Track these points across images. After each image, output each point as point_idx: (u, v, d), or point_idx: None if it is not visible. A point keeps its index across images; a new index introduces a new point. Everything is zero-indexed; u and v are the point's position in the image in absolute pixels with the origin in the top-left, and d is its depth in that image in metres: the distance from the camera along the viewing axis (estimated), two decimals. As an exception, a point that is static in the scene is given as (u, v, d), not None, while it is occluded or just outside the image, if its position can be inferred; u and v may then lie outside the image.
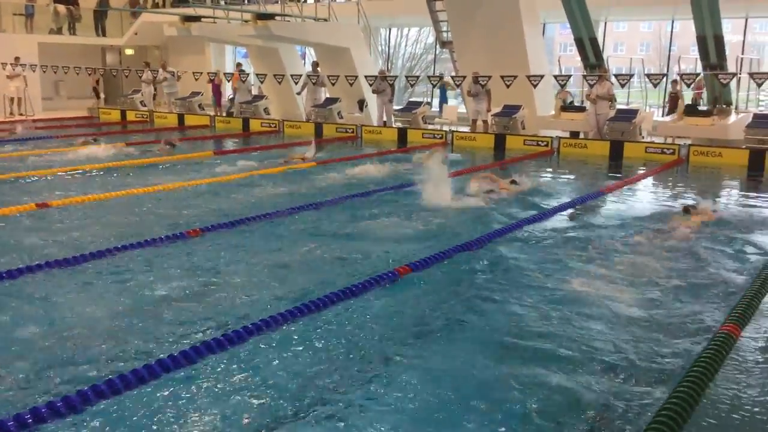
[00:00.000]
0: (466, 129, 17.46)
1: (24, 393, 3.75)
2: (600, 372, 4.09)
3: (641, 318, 4.99)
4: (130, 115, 21.51)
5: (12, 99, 21.44)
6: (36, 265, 5.81)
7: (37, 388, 3.80)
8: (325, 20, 20.19)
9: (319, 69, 19.54)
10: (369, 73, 18.78)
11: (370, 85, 18.07)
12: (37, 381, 3.90)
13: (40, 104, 22.80)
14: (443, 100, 18.97)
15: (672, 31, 23.20)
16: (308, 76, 19.28)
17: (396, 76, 20.21)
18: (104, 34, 25.97)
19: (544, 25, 21.15)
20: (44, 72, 22.46)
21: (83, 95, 24.65)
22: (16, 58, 21.16)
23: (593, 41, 16.57)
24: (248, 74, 21.15)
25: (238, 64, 22.56)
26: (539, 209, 8.65)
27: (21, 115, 21.28)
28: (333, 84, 18.88)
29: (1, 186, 9.79)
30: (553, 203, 9.08)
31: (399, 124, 17.84)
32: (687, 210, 8.09)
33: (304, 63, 22.06)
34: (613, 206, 9.23)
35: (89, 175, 10.85)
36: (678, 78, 16.19)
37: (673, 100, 16.56)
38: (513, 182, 9.79)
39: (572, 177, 12.03)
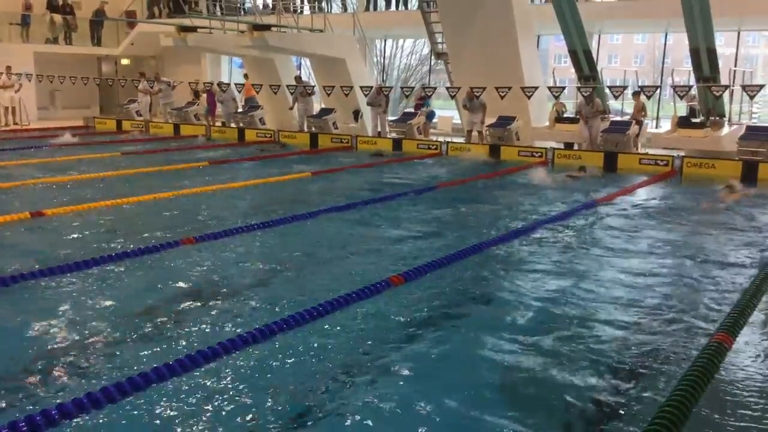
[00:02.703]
0: (461, 139, 17.53)
1: (26, 398, 3.76)
2: (597, 375, 4.13)
3: (649, 317, 5.10)
4: (126, 125, 21.52)
5: (6, 108, 21.43)
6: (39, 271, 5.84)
7: (38, 394, 3.81)
8: (321, 31, 20.27)
9: (302, 80, 19.75)
10: (364, 83, 18.84)
11: (365, 96, 18.11)
12: (37, 386, 3.91)
13: (36, 114, 22.77)
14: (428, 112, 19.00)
15: (665, 44, 23.35)
16: (296, 87, 19.36)
17: (391, 88, 20.25)
18: (100, 44, 26.01)
19: (539, 36, 21.27)
20: (40, 81, 22.45)
21: (79, 105, 24.65)
22: (8, 68, 21.10)
23: (587, 53, 16.66)
24: (228, 84, 21.17)
25: (245, 76, 22.63)
26: (534, 217, 8.73)
27: (16, 124, 21.26)
28: (328, 94, 18.94)
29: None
30: (548, 213, 9.14)
31: (394, 135, 17.89)
32: (731, 186, 10.36)
33: (299, 74, 22.09)
34: (610, 213, 9.29)
35: (84, 184, 10.87)
36: (639, 89, 16.25)
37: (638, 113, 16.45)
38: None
39: (565, 187, 12.03)
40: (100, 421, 3.54)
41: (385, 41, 28.74)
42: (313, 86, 20.15)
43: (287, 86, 19.66)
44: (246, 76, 22.85)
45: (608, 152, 14.58)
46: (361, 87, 18.29)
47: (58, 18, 24.67)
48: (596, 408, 3.79)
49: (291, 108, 19.86)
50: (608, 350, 4.56)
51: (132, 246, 6.81)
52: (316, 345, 4.54)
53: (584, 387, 4.02)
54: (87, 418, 3.53)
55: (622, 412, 3.75)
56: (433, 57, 21.75)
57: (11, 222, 7.86)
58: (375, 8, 23.45)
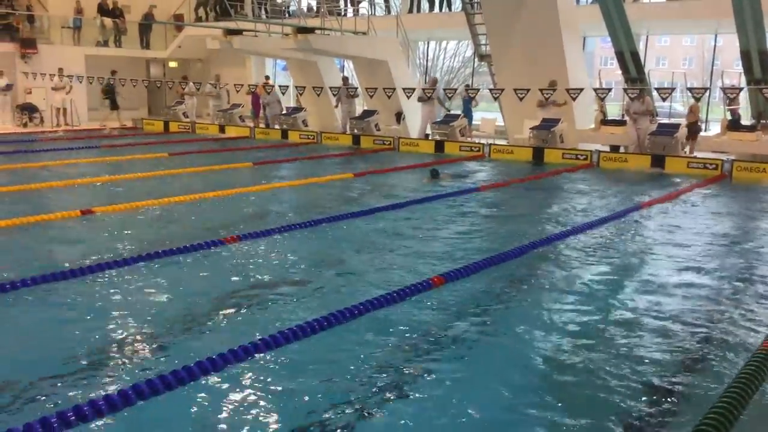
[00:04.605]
0: (503, 141, 17.40)
1: (83, 389, 3.87)
2: (642, 381, 4.06)
3: (697, 324, 5.00)
4: (173, 126, 21.95)
5: (59, 109, 22.07)
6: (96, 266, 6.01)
7: (100, 383, 3.94)
8: (364, 34, 20.36)
9: (349, 82, 19.93)
10: (406, 85, 18.86)
11: (408, 98, 18.12)
12: (87, 376, 4.03)
13: (87, 115, 23.37)
14: (466, 113, 18.84)
15: (715, 46, 22.81)
16: (340, 89, 19.54)
17: (434, 89, 20.12)
18: (148, 47, 26.58)
19: (585, 38, 20.97)
20: (90, 83, 23.04)
21: (128, 106, 25.20)
22: (60, 70, 21.75)
23: (634, 55, 16.39)
24: (272, 86, 21.44)
25: (266, 77, 22.88)
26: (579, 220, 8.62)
27: (67, 125, 21.86)
28: (371, 96, 19.02)
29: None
30: (593, 216, 9.03)
31: (437, 137, 17.86)
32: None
33: (343, 75, 22.25)
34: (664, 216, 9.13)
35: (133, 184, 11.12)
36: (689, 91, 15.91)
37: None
38: None
39: (611, 190, 11.84)
40: (150, 411, 3.62)
41: (428, 43, 28.66)
42: (356, 88, 20.26)
43: (330, 88, 19.81)
44: (267, 77, 23.04)
45: (655, 155, 14.34)
46: (404, 89, 18.32)
47: (108, 22, 25.30)
48: (639, 414, 3.73)
49: (336, 106, 20.10)
50: (654, 356, 4.49)
51: (177, 244, 6.93)
52: (358, 343, 4.57)
53: (628, 392, 3.96)
54: (139, 407, 3.62)
55: (667, 419, 3.68)
56: (476, 59, 21.65)
57: (62, 219, 8.09)
58: (418, 10, 23.45)
